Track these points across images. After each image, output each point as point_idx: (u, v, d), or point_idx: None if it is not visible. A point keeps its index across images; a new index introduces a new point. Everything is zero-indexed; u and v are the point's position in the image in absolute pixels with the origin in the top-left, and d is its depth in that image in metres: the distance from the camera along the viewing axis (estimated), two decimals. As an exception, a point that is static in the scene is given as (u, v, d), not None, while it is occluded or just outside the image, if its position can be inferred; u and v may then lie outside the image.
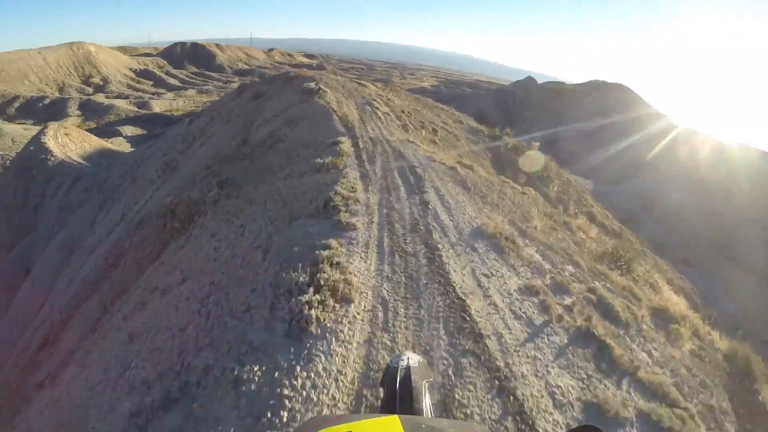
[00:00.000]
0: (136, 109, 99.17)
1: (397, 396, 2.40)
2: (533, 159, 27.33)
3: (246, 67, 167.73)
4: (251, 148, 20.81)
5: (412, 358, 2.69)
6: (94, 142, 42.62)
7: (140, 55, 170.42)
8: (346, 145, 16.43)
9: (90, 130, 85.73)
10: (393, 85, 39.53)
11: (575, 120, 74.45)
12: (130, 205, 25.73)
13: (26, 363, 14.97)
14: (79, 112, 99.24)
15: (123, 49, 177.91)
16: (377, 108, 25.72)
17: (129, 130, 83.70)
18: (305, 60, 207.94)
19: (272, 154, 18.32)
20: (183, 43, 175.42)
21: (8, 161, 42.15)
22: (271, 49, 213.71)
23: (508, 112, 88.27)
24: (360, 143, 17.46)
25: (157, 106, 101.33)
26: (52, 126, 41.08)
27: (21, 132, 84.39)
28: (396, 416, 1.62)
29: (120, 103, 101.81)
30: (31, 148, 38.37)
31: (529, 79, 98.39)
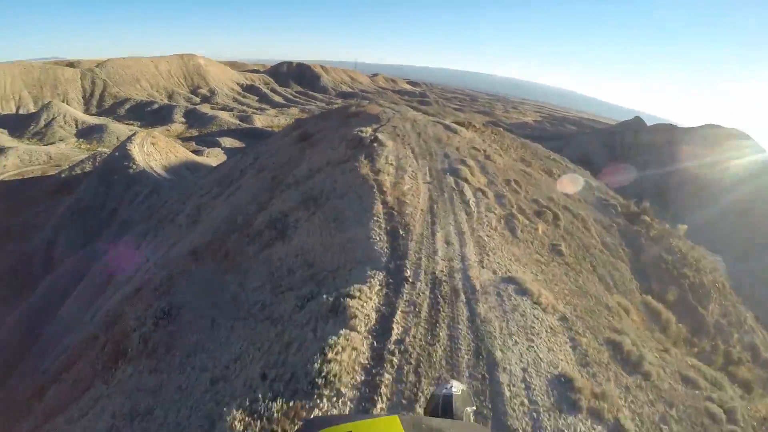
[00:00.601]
0: (238, 122, 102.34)
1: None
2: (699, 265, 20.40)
3: (349, 89, 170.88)
4: (247, 238, 15.09)
5: (456, 387, 2.59)
6: (181, 154, 43.25)
7: (248, 71, 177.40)
8: (361, 320, 8.51)
9: (191, 138, 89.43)
10: (494, 129, 31.37)
11: (688, 165, 69.43)
12: (152, 254, 21.56)
13: (34, 390, 14.09)
14: (183, 120, 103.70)
15: (232, 64, 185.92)
16: (466, 180, 17.31)
17: (228, 141, 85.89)
18: (408, 87, 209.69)
19: (259, 266, 12.76)
20: (289, 63, 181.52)
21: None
22: (375, 74, 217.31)
23: (615, 155, 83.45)
24: (402, 305, 9.17)
25: (259, 121, 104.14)
26: (140, 134, 42.05)
27: (126, 132, 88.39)
28: (396, 416, 1.67)
29: (223, 114, 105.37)
30: (116, 154, 39.31)
31: (638, 121, 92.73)
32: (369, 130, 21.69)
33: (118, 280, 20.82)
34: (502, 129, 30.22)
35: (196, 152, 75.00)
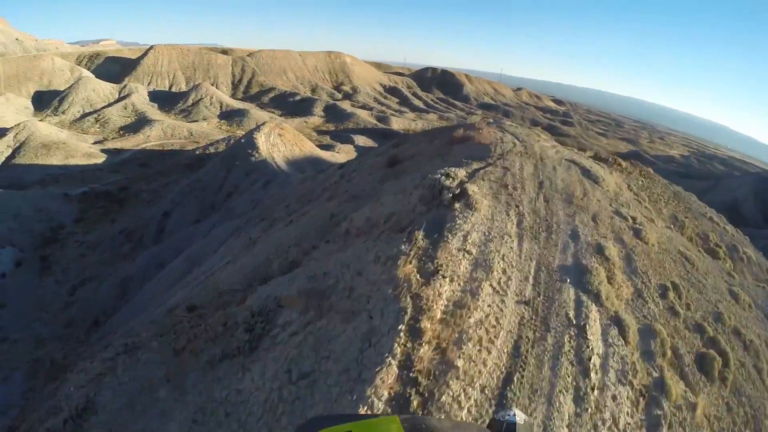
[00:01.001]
0: (375, 122, 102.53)
1: None
2: None
3: (491, 101, 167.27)
4: (215, 331, 10.01)
5: (519, 416, 2.53)
6: (306, 148, 42.59)
7: (392, 72, 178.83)
8: None
9: (327, 132, 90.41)
10: (642, 169, 24.21)
11: None
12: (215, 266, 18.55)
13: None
14: (323, 114, 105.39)
15: (378, 65, 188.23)
16: (597, 297, 9.96)
17: (362, 140, 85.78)
18: (552, 104, 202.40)
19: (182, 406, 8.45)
20: (434, 69, 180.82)
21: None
22: (519, 88, 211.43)
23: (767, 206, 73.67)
24: None
25: (396, 124, 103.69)
26: (269, 124, 41.78)
27: (266, 119, 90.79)
28: (396, 416, 1.72)
29: (361, 113, 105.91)
30: (243, 140, 39.15)
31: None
32: (461, 173, 13.73)
33: (190, 278, 19.10)
34: (651, 170, 23.81)
35: (328, 147, 75.55)
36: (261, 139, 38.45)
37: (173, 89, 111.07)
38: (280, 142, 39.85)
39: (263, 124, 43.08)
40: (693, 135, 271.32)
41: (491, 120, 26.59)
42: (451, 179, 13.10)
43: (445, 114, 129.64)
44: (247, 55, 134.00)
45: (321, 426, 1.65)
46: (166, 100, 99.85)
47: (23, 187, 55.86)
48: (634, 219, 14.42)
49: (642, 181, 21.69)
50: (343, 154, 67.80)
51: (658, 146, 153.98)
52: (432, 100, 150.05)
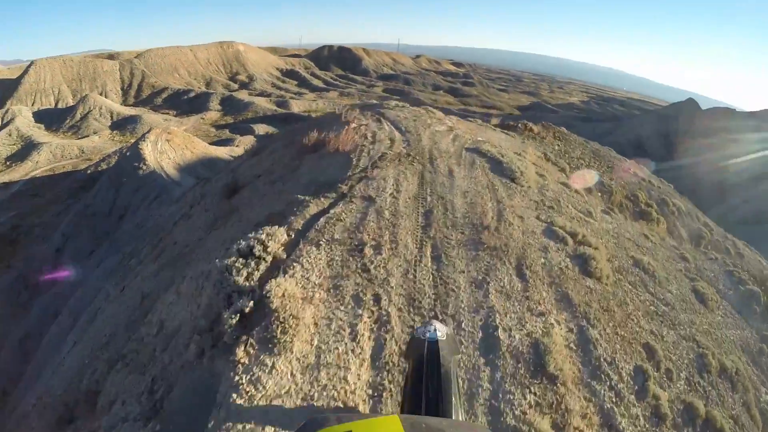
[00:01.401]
0: (275, 107, 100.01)
1: (424, 372, 2.29)
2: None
3: (391, 72, 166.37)
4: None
5: (440, 330, 2.48)
6: (198, 149, 40.26)
7: (289, 55, 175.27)
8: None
9: (226, 126, 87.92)
10: (557, 131, 21.07)
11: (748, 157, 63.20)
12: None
13: None
14: (219, 107, 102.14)
15: (273, 50, 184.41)
16: None
17: (262, 128, 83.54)
18: (452, 68, 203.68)
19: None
20: (330, 46, 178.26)
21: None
22: (418, 56, 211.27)
23: (668, 140, 77.75)
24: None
25: (296, 106, 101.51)
26: (155, 131, 39.17)
27: (160, 122, 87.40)
28: (396, 416, 1.61)
29: (260, 100, 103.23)
30: (128, 153, 36.62)
31: (691, 103, 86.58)
32: (277, 239, 7.17)
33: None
34: (564, 130, 21.51)
35: (227, 141, 73.21)
36: (147, 149, 35.84)
37: (60, 105, 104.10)
38: (169, 148, 37.33)
39: (148, 131, 40.31)
40: (592, 82, 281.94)
41: (370, 103, 22.33)
42: (247, 268, 6.41)
43: (346, 90, 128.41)
44: (135, 57, 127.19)
45: (320, 426, 1.51)
46: (52, 118, 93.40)
47: None
48: (573, 235, 9.89)
49: (558, 146, 19.68)
50: (242, 147, 65.59)
51: (558, 95, 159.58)
52: (331, 78, 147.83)
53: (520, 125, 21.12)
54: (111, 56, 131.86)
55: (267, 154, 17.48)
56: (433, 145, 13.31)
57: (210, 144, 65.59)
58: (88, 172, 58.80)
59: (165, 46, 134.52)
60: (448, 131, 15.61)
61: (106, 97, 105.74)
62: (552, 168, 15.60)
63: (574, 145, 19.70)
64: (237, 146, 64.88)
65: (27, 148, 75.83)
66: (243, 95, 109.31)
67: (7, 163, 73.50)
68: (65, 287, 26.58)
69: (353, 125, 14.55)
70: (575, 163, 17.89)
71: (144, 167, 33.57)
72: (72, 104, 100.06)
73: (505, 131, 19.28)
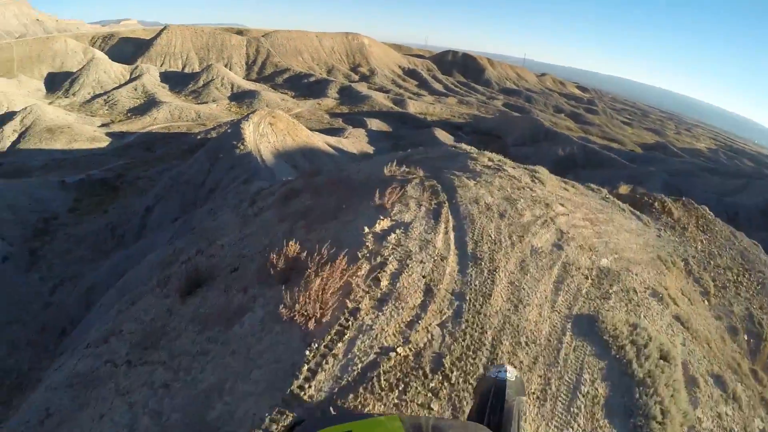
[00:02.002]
0: (391, 104, 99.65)
1: (488, 407, 2.43)
2: None
3: (514, 87, 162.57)
4: None
5: (510, 372, 2.62)
6: (301, 137, 40.17)
7: (412, 55, 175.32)
8: None
9: (341, 115, 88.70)
10: (700, 214, 14.59)
11: None
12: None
13: None
14: (337, 96, 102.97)
15: (398, 47, 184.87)
16: None
17: (375, 123, 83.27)
18: (577, 91, 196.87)
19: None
20: (455, 52, 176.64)
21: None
22: (543, 74, 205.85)
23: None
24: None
25: (413, 107, 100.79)
26: (260, 113, 39.33)
27: (278, 101, 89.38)
28: (395, 415, 1.68)
29: (377, 95, 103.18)
30: (229, 131, 36.98)
31: None
32: None
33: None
34: (708, 213, 15.19)
35: (338, 130, 73.67)
36: (248, 130, 36.03)
37: (186, 70, 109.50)
38: (271, 131, 37.40)
39: (253, 112, 40.60)
40: (720, 128, 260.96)
41: (445, 153, 15.73)
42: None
43: (465, 98, 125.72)
44: (262, 36, 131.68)
45: (321, 426, 1.61)
46: (177, 80, 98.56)
47: (27, 172, 55.46)
48: None
49: (702, 242, 14.51)
50: (351, 139, 65.43)
51: (685, 138, 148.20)
52: (452, 84, 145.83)
53: (656, 205, 16.03)
54: (240, 32, 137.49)
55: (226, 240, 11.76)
56: (508, 316, 6.78)
57: (320, 131, 66.06)
58: (198, 137, 60.83)
59: (292, 29, 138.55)
60: (552, 249, 9.07)
61: (230, 69, 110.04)
62: (694, 294, 11.42)
63: (720, 241, 14.73)
64: (346, 137, 64.96)
65: (149, 104, 79.86)
66: (362, 87, 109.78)
67: (128, 114, 77.58)
68: (137, 251, 26.92)
69: (380, 225, 8.32)
70: (721, 278, 13.04)
71: (241, 147, 33.80)
72: (197, 71, 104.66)
73: (637, 214, 14.53)
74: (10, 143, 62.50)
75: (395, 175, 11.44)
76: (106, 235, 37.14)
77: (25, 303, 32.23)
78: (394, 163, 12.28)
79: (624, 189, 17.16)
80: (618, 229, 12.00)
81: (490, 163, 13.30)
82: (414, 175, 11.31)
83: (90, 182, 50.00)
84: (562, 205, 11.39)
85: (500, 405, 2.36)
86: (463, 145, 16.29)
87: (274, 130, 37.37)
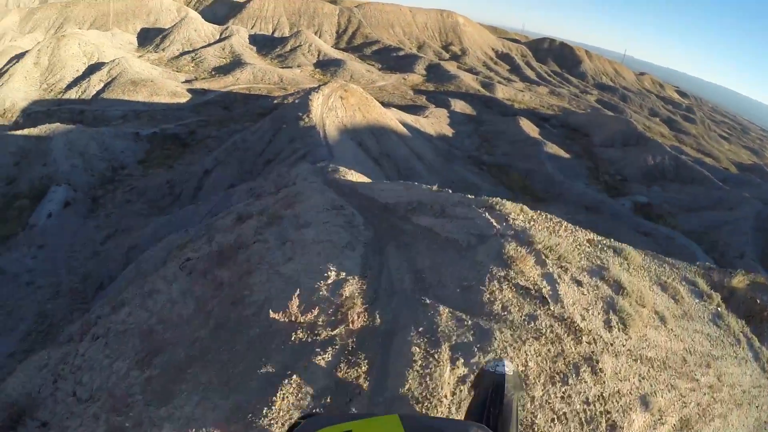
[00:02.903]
0: (479, 87, 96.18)
1: (488, 401, 2.44)
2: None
3: (610, 83, 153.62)
4: None
5: (508, 366, 2.63)
6: (373, 115, 37.94)
7: (507, 38, 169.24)
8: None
9: (425, 92, 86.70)
10: None
11: None
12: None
13: None
14: (424, 72, 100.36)
15: (493, 29, 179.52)
16: None
17: (459, 105, 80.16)
18: (675, 96, 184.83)
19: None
20: (552, 40, 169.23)
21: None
22: (642, 73, 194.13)
23: None
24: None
25: (501, 92, 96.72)
26: (332, 84, 37.33)
27: (363, 72, 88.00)
28: (395, 415, 1.66)
29: (466, 76, 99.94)
30: (296, 101, 35.33)
31: None
32: None
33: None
34: None
35: (420, 108, 71.44)
36: (316, 102, 34.13)
37: (276, 34, 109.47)
38: (340, 106, 35.40)
39: (325, 84, 38.70)
40: None
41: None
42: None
43: (557, 89, 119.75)
44: (355, 7, 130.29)
45: (320, 425, 1.60)
46: (265, 43, 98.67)
47: (106, 121, 57.13)
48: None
49: None
50: (432, 119, 62.72)
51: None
52: (545, 73, 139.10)
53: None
54: (333, 1, 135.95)
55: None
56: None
57: (401, 107, 64.06)
58: (275, 102, 60.05)
59: (386, 2, 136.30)
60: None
61: (319, 37, 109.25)
62: None
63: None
64: (426, 117, 62.36)
65: (234, 64, 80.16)
66: (450, 66, 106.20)
67: (212, 73, 78.08)
68: (178, 218, 25.92)
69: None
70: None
71: (306, 119, 32.03)
72: (286, 35, 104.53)
73: (756, 347, 8.38)
74: (95, 92, 64.23)
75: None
76: (164, 192, 36.76)
77: (76, 249, 32.48)
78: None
79: (739, 280, 11.27)
80: (731, 397, 7.36)
81: (536, 279, 6.97)
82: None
83: (162, 136, 50.40)
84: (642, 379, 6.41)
85: (500, 399, 2.32)
86: (507, 205, 9.46)
87: (344, 105, 35.40)
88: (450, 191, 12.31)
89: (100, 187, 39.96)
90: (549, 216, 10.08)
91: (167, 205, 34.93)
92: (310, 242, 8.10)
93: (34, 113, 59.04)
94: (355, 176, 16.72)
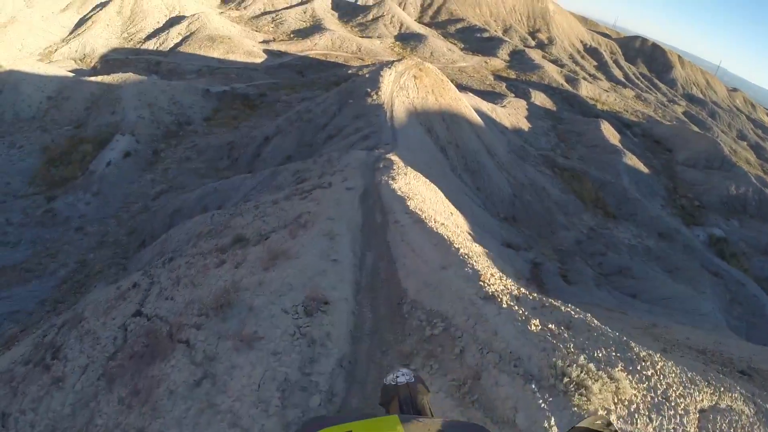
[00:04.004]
0: (562, 81, 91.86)
1: (402, 413, 2.31)
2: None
3: (700, 95, 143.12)
4: None
5: (407, 374, 2.57)
6: (447, 99, 35.50)
7: (597, 32, 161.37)
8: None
9: (505, 79, 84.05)
10: None
11: None
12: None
13: None
14: (507, 58, 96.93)
15: (583, 20, 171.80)
16: None
17: (540, 97, 76.53)
18: (767, 120, 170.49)
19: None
20: (644, 39, 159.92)
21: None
22: (734, 89, 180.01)
23: None
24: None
25: (585, 89, 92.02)
26: (406, 61, 34.98)
27: (443, 50, 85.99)
28: (395, 416, 1.72)
29: (550, 67, 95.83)
30: (367, 75, 33.44)
31: None
32: None
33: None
34: None
35: (498, 96, 68.61)
36: (387, 79, 32.11)
37: (359, 2, 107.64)
38: (413, 86, 33.24)
39: (399, 60, 36.62)
40: None
41: None
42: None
43: (644, 94, 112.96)
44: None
45: (321, 426, 1.61)
46: (347, 10, 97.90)
47: (180, 74, 57.86)
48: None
49: None
50: (509, 109, 59.53)
51: None
52: (633, 74, 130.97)
53: None
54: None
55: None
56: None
57: (478, 92, 61.60)
58: (349, 71, 58.50)
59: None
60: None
61: (403, 9, 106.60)
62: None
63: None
64: (503, 106, 59.25)
65: (313, 28, 79.22)
66: (535, 55, 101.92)
67: (291, 35, 77.49)
68: (224, 187, 24.78)
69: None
70: None
71: (374, 96, 30.06)
72: (369, 4, 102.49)
73: None
74: (173, 44, 65.20)
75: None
76: (223, 154, 36.05)
77: (129, 201, 32.92)
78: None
79: None
80: None
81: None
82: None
83: (232, 95, 50.15)
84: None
85: (413, 408, 2.26)
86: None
87: (416, 85, 33.21)
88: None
89: (163, 140, 39.99)
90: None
91: (224, 168, 34.23)
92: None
93: (112, 60, 60.45)
94: (408, 180, 14.84)
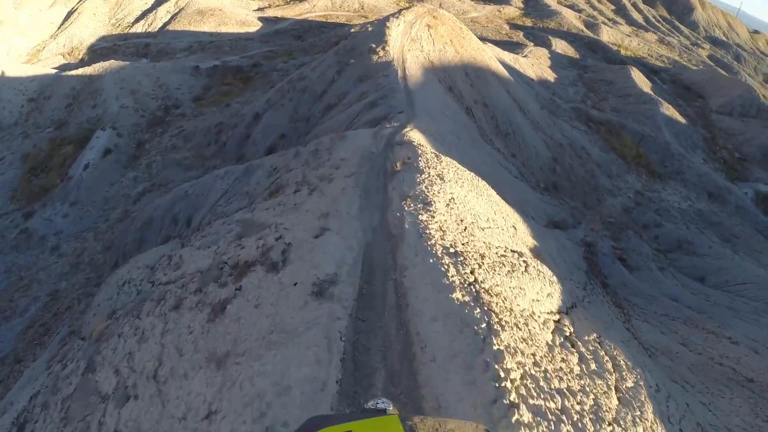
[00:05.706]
0: (582, 27, 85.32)
1: None
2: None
3: (723, 38, 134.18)
4: None
5: (387, 403, 2.27)
6: (468, 50, 29.56)
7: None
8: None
9: (522, 28, 78.04)
10: None
11: None
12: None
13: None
14: (521, 5, 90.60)
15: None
16: None
17: (561, 45, 69.79)
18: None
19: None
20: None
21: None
22: (756, 31, 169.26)
23: None
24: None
25: (607, 35, 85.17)
26: (416, 9, 29.10)
27: (453, 1, 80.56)
28: (395, 416, 1.69)
29: (568, 13, 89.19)
30: (370, 29, 27.73)
31: None
32: None
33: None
34: None
35: (517, 45, 63.21)
36: (395, 31, 26.23)
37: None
38: (427, 37, 27.35)
39: (408, 8, 30.85)
40: None
41: None
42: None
43: (666, 38, 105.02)
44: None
45: (320, 426, 1.61)
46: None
47: (170, 54, 53.96)
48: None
49: None
50: (531, 59, 53.52)
51: None
52: (653, 17, 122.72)
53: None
54: None
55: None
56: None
57: (495, 42, 55.69)
58: (352, 30, 52.87)
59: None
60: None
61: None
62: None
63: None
64: (525, 56, 53.32)
65: (312, -10, 73.49)
66: (551, 1, 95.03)
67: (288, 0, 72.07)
68: (197, 189, 19.86)
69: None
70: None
71: (381, 53, 24.18)
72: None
73: None
74: (161, 24, 61.68)
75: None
76: (210, 138, 31.40)
77: (108, 206, 29.33)
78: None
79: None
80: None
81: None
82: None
83: (223, 69, 45.68)
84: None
85: None
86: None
87: (431, 36, 27.23)
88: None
89: (148, 129, 36.18)
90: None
91: (211, 155, 29.83)
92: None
93: (99, 49, 56.88)
94: (453, 192, 9.55)
